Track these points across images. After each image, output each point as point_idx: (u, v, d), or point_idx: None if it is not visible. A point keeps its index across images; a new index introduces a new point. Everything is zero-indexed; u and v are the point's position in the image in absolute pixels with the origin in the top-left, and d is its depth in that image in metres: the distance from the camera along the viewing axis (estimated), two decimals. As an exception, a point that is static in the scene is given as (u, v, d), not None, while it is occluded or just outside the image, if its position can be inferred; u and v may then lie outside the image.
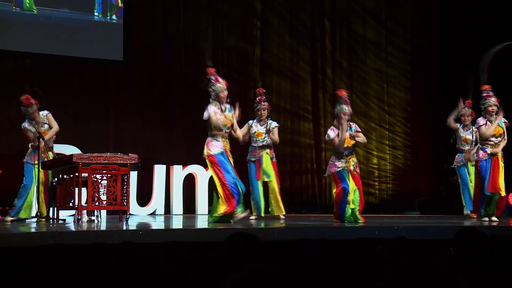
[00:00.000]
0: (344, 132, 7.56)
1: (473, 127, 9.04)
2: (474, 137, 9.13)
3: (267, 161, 8.89)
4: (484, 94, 8.26)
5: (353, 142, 7.63)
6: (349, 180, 7.59)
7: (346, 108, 7.63)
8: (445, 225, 7.68)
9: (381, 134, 13.20)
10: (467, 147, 9.27)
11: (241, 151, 8.73)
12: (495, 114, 8.23)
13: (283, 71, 12.60)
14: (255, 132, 8.96)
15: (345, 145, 7.59)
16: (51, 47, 10.63)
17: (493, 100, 8.24)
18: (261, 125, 8.98)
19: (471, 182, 8.98)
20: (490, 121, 8.24)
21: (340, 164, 7.59)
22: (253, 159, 8.93)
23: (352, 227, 7.10)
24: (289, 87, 12.58)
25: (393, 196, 12.91)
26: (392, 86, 13.35)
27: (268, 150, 8.93)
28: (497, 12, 11.90)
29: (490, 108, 8.22)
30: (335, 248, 5.38)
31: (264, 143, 8.92)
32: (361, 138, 7.77)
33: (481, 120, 8.28)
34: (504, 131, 8.33)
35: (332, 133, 7.66)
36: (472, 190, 8.85)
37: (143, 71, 11.46)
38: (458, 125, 9.36)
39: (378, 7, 13.36)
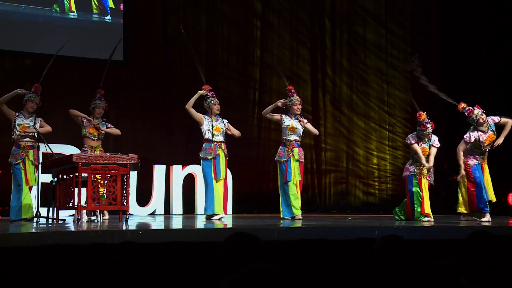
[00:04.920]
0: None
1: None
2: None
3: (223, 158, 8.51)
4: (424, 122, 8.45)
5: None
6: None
7: None
8: (445, 225, 7.68)
9: (381, 135, 13.19)
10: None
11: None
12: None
13: (283, 71, 12.57)
14: (214, 127, 8.53)
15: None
16: (51, 47, 10.61)
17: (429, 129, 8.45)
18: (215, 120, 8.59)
19: None
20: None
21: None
22: (209, 157, 8.42)
23: (352, 227, 7.10)
24: (289, 87, 12.55)
25: (393, 196, 12.88)
26: (392, 87, 13.34)
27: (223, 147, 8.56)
28: (497, 12, 11.90)
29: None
30: (335, 248, 5.37)
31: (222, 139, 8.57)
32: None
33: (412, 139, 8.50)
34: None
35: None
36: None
37: (143, 71, 11.45)
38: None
39: (379, 8, 13.35)
